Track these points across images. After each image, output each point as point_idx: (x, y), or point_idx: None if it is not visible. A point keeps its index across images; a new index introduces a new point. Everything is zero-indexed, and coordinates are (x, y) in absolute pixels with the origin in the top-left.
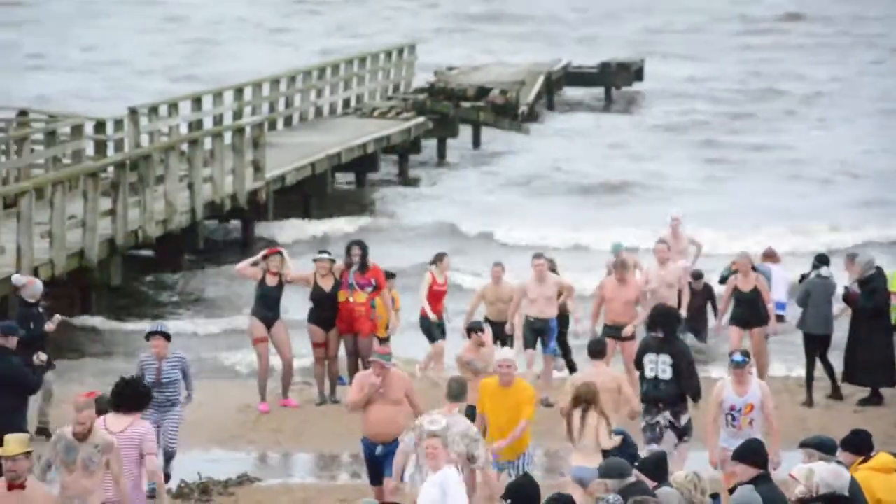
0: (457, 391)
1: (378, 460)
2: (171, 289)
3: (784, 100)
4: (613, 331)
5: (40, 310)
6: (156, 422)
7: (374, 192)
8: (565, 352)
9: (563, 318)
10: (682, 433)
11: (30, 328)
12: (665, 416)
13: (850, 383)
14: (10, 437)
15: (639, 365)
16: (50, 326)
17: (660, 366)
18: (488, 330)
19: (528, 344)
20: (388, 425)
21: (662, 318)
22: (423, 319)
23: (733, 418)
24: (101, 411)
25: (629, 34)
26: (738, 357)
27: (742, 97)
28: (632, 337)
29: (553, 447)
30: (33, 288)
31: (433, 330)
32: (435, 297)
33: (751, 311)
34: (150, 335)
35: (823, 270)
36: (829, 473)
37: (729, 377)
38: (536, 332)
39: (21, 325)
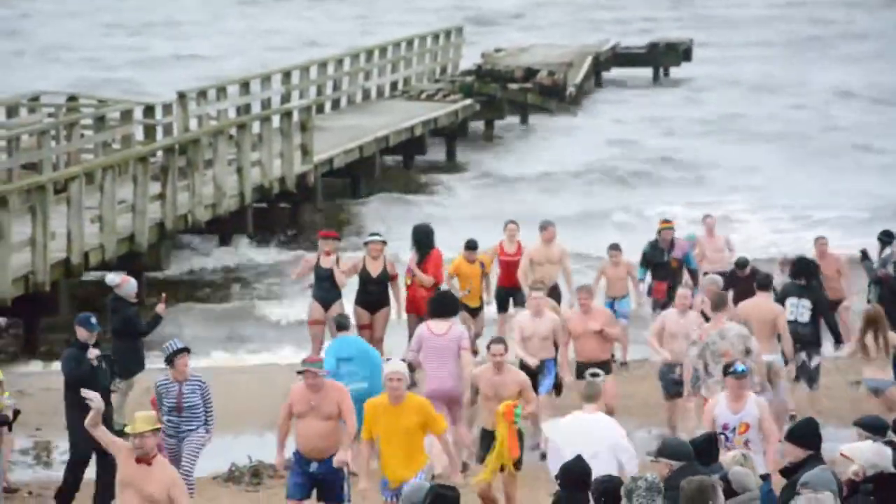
0: (718, 302)
1: (314, 478)
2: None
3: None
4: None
5: (136, 308)
6: (174, 451)
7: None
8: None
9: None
10: (812, 376)
11: (133, 325)
12: (800, 357)
13: None
14: (138, 415)
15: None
16: (161, 307)
17: (800, 309)
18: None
19: None
20: (322, 440)
21: (804, 267)
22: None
23: (726, 438)
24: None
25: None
26: (739, 366)
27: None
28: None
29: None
30: (128, 286)
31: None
32: (506, 267)
33: None
34: (174, 355)
35: None
36: (873, 453)
37: (724, 391)
38: (532, 374)
39: (123, 324)
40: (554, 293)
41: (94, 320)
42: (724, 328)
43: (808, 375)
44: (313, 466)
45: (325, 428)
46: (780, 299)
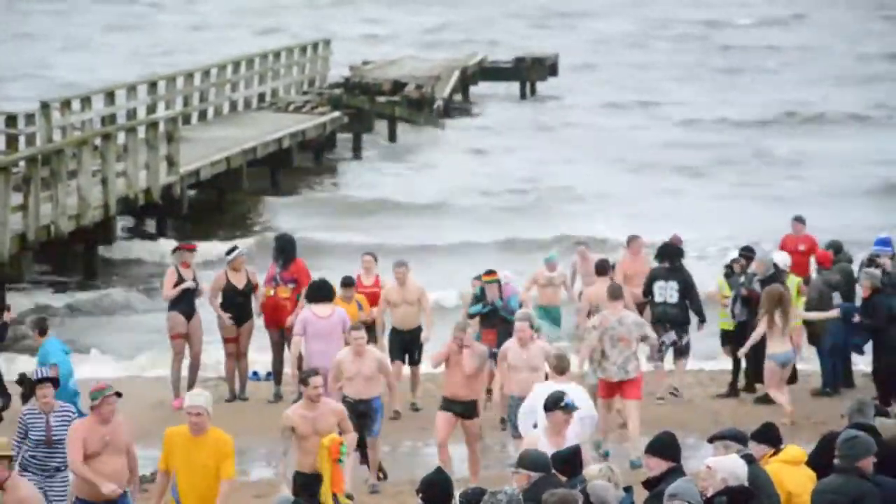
0: (616, 293)
1: None
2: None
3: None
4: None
5: None
6: (42, 491)
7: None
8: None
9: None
10: (682, 352)
11: None
12: (670, 336)
13: (753, 381)
14: None
15: (648, 291)
16: (9, 315)
17: (668, 291)
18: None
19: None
20: (119, 477)
21: (669, 250)
22: None
23: None
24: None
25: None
26: (569, 399)
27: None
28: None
29: None
30: None
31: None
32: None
33: None
34: (35, 384)
35: None
36: (733, 464)
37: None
38: (359, 414)
39: None
40: (415, 334)
41: None
42: (623, 315)
43: (678, 352)
44: None
45: (121, 463)
46: (649, 282)
